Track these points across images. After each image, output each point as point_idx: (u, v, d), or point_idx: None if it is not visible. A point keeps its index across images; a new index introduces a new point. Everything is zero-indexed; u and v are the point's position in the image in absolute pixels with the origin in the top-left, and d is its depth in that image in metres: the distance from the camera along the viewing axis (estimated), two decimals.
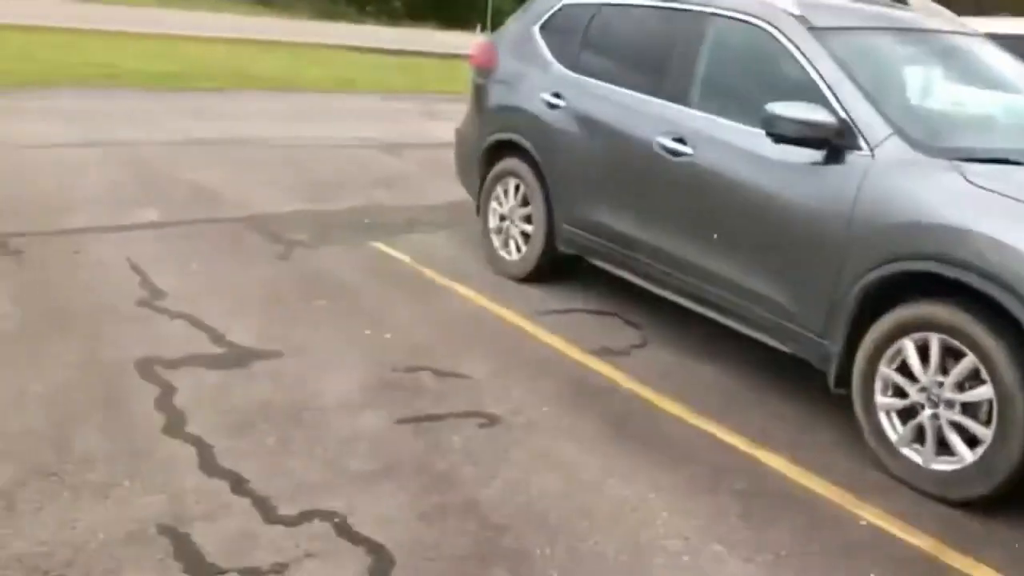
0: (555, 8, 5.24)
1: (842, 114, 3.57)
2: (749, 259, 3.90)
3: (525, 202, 5.23)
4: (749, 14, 4.09)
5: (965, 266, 3.08)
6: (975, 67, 4.29)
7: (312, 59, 19.48)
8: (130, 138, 8.73)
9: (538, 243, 5.14)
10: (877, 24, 4.19)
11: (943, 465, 3.24)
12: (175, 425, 3.27)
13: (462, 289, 5.10)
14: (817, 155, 3.60)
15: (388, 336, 4.32)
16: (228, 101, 12.29)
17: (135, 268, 4.94)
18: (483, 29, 35.59)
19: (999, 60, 4.33)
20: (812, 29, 3.86)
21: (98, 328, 4.10)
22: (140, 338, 4.02)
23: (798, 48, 3.83)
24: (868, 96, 3.60)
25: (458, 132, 5.97)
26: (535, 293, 5.11)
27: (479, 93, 5.66)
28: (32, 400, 3.38)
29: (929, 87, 4.29)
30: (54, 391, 3.46)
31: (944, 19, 4.49)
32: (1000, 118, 4.12)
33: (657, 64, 4.49)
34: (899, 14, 4.41)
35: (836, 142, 3.54)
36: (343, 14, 40.60)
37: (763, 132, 3.69)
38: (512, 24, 5.59)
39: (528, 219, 5.22)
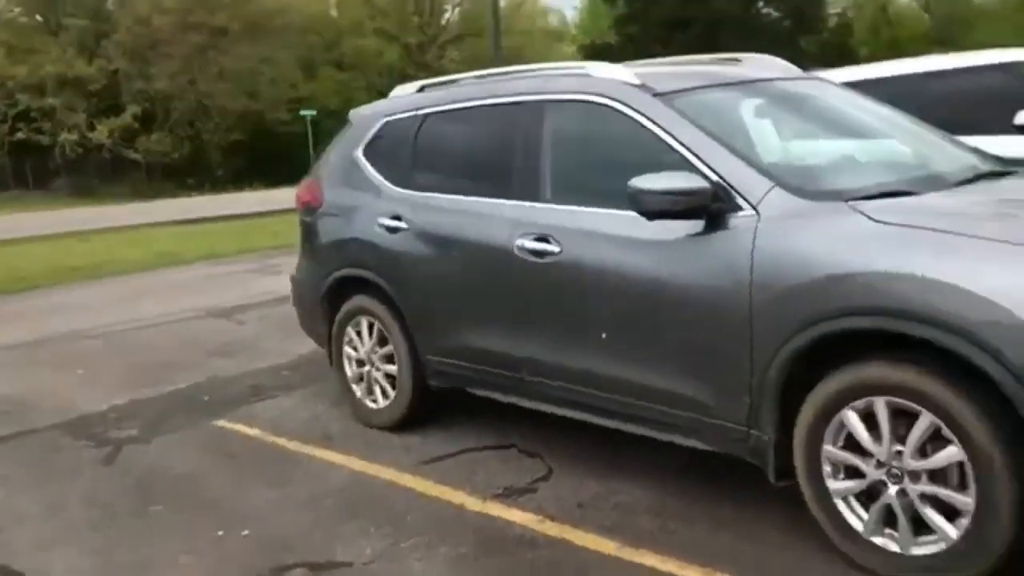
0: (376, 127, 4.78)
1: (712, 176, 3.20)
2: (646, 355, 3.42)
3: (383, 340, 4.62)
4: (587, 93, 3.73)
5: (899, 314, 2.68)
6: (822, 111, 4.07)
7: (132, 240, 18.43)
8: None
9: (406, 383, 4.52)
10: (719, 81, 3.92)
11: (926, 548, 2.76)
12: None
13: (327, 455, 4.38)
14: (696, 225, 3.20)
15: (246, 533, 3.56)
16: (40, 298, 11.18)
17: None
18: None
19: (843, 101, 4.13)
20: (658, 95, 3.53)
21: None
22: None
23: (648, 118, 3.47)
24: (734, 152, 3.26)
25: (294, 280, 5.35)
26: (414, 441, 4.45)
27: (309, 232, 5.08)
28: None
29: (787, 135, 4.03)
30: None
31: (781, 69, 4.29)
32: (864, 155, 3.88)
33: (500, 164, 4.06)
34: (735, 70, 4.18)
35: (714, 207, 3.15)
36: (162, 191, 39.50)
37: (632, 213, 3.27)
38: (332, 153, 5.08)
39: (390, 359, 4.60)
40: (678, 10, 29.79)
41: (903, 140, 3.95)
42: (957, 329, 2.56)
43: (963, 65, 5.64)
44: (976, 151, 3.77)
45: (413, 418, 4.57)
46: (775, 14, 32.05)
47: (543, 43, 49.96)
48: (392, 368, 4.59)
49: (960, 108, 5.08)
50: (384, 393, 4.67)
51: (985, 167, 3.54)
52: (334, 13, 45.55)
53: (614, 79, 3.68)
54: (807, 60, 15.79)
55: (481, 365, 4.12)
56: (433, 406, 4.60)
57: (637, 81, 3.61)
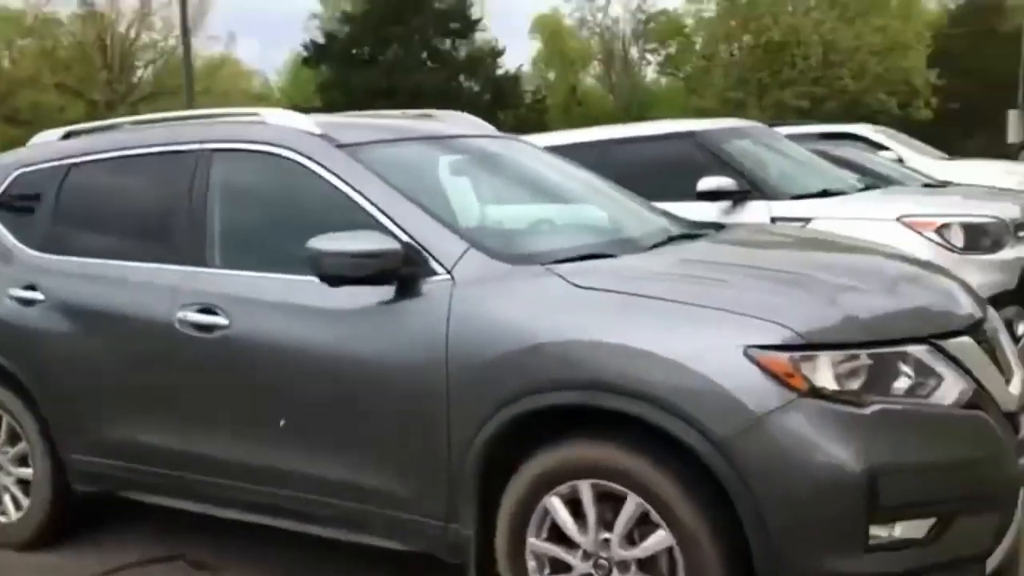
0: (9, 180, 3.97)
1: (403, 236, 2.85)
2: (331, 443, 2.97)
3: (14, 438, 3.77)
4: (261, 142, 3.26)
5: (596, 386, 2.46)
6: (520, 171, 3.89)
7: None
8: None
9: (44, 490, 3.68)
10: (410, 135, 3.62)
11: None
12: None
13: None
14: (386, 292, 2.82)
15: None
16: None
17: None
18: None
19: (540, 162, 3.99)
20: (343, 147, 3.14)
21: None
22: None
23: (332, 171, 3.07)
24: (428, 211, 2.94)
25: None
26: (52, 561, 3.64)
27: None
28: None
29: (483, 195, 3.80)
30: None
31: (476, 126, 4.09)
32: (562, 217, 3.74)
33: (160, 223, 3.48)
34: (428, 124, 3.92)
35: (405, 271, 2.79)
36: None
37: (313, 279, 2.83)
38: None
39: (24, 460, 3.76)
40: (381, 79, 30.11)
41: (599, 203, 3.85)
42: (654, 399, 2.37)
43: (650, 133, 5.85)
44: (667, 214, 3.75)
45: (54, 532, 3.74)
46: (476, 88, 33.34)
47: (245, 105, 48.39)
48: (26, 472, 3.74)
49: (649, 174, 5.19)
50: (16, 503, 3.80)
51: (676, 230, 3.49)
52: (6, 64, 41.33)
53: (292, 127, 3.26)
54: (506, 133, 16.34)
55: (138, 463, 3.43)
56: (81, 516, 3.80)
57: (318, 131, 3.21)
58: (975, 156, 15.47)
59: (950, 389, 2.39)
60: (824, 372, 2.32)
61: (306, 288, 2.92)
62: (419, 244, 2.83)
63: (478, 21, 33.77)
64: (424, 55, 32.35)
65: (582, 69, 51.94)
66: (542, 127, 33.45)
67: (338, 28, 33.66)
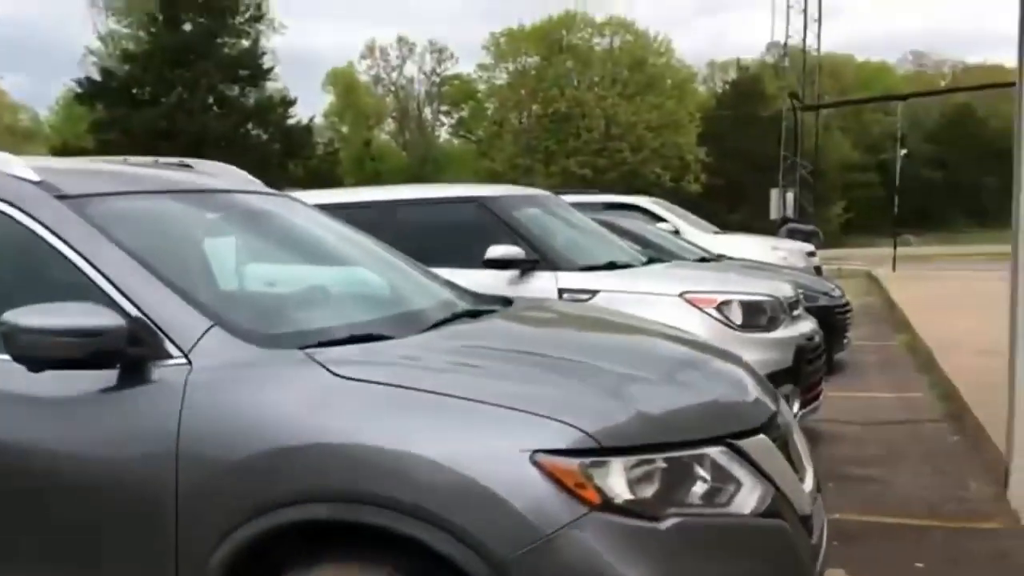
0: None
1: (132, 310, 2.35)
2: (36, 563, 2.40)
3: None
4: None
5: (356, 498, 2.07)
6: (288, 234, 3.45)
7: None
8: None
9: None
10: (156, 188, 3.11)
11: None
12: None
13: None
14: (107, 378, 2.31)
15: None
16: None
17: None
18: None
19: (314, 224, 3.57)
20: (64, 199, 2.60)
21: None
22: None
23: (47, 226, 2.52)
24: (164, 280, 2.45)
25: None
26: None
27: None
28: None
29: (244, 261, 3.33)
30: None
31: (238, 179, 3.62)
32: (333, 290, 3.32)
33: None
34: (181, 176, 3.41)
35: (132, 353, 2.30)
36: None
37: (8, 358, 2.28)
38: None
39: None
40: (162, 121, 28.53)
41: (378, 272, 3.47)
42: (423, 512, 2.01)
43: (437, 196, 5.59)
44: (454, 287, 3.44)
45: None
46: (264, 136, 32.30)
47: (9, 142, 44.69)
48: None
49: (434, 238, 4.92)
50: None
51: (462, 306, 3.18)
52: None
53: (1, 171, 2.67)
54: (296, 185, 15.87)
55: None
56: None
57: (34, 177, 2.65)
58: (740, 230, 16.61)
59: (749, 496, 2.19)
60: (617, 480, 2.05)
61: (4, 369, 2.35)
62: (150, 320, 2.34)
63: (270, 70, 32.95)
64: (210, 100, 31.03)
65: (376, 125, 52.01)
66: (334, 179, 32.90)
67: (117, 66, 31.74)
